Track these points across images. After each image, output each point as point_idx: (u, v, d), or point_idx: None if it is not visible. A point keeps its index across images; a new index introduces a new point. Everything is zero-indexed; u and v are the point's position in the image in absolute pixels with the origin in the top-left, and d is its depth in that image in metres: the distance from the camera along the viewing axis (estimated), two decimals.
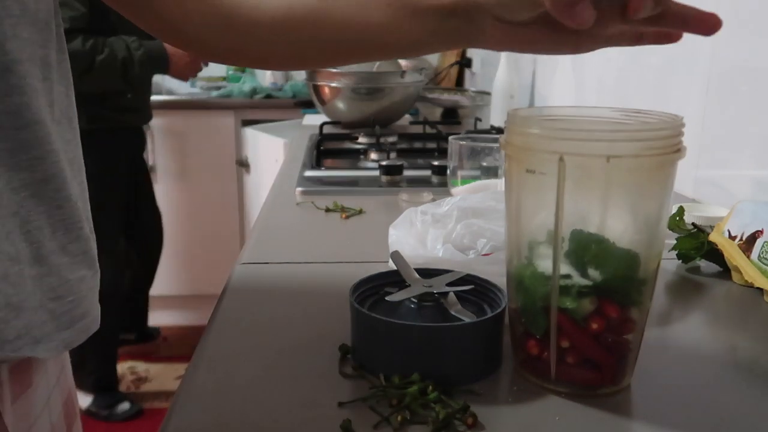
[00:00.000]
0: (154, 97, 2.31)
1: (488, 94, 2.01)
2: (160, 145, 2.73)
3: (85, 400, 2.23)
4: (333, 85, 1.86)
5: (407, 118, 2.09)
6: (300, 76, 2.94)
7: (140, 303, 2.57)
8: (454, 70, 2.78)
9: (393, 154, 1.43)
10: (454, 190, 1.06)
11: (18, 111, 0.45)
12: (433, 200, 0.76)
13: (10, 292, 0.45)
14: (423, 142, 1.65)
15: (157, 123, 2.65)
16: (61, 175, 0.49)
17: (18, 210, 0.46)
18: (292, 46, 0.57)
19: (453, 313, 0.53)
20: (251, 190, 2.67)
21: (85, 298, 0.52)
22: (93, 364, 2.23)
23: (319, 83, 1.89)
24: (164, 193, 2.32)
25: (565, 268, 0.48)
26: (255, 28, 0.57)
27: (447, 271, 0.58)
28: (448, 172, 1.09)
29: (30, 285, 0.47)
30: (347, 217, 0.99)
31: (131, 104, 2.16)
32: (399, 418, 0.45)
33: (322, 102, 1.93)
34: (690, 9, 0.46)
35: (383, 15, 0.53)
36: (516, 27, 0.50)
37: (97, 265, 0.55)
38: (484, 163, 1.03)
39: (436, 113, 2.22)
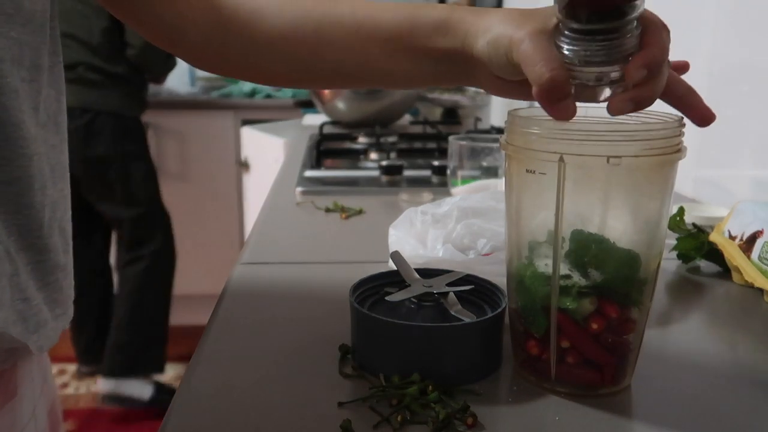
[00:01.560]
0: (154, 97, 2.31)
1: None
2: (160, 145, 2.73)
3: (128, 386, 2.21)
4: None
5: (407, 118, 2.09)
6: None
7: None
8: None
9: (393, 154, 1.43)
10: (454, 190, 1.06)
11: None
12: (433, 200, 0.76)
13: None
14: (423, 142, 1.65)
15: (157, 123, 2.65)
16: (26, 180, 0.47)
17: None
18: (289, 64, 0.57)
19: (453, 313, 0.53)
20: (251, 190, 2.67)
21: (44, 305, 0.51)
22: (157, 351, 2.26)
23: None
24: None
25: (565, 268, 0.48)
26: (254, 41, 0.56)
27: (447, 271, 0.58)
28: (448, 172, 1.09)
29: (4, 281, 0.46)
30: (347, 217, 0.99)
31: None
32: (399, 418, 0.45)
33: (322, 102, 1.93)
34: (690, 96, 0.47)
35: (382, 50, 0.53)
36: (510, 82, 0.50)
37: (55, 278, 0.52)
38: (484, 163, 1.03)
39: (436, 113, 2.22)
